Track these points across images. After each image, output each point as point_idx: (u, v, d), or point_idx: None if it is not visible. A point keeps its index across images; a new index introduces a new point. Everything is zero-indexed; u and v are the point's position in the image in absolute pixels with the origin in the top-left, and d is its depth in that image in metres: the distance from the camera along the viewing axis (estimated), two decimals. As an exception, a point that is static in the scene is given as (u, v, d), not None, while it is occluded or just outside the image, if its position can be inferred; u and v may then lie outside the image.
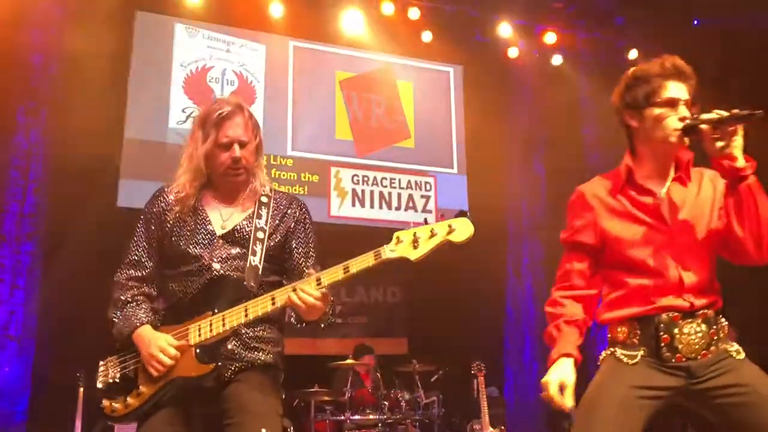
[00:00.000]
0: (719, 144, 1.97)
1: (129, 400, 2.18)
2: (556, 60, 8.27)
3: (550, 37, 8.10)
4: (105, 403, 2.21)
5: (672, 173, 2.18)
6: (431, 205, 7.87)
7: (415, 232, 2.06)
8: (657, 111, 2.09)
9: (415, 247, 2.05)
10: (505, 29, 7.93)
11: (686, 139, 2.07)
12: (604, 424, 1.95)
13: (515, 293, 8.31)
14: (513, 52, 8.10)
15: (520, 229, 8.42)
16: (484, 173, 8.17)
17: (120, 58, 6.84)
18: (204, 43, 7.34)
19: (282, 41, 7.71)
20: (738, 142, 1.97)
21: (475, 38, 8.13)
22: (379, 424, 5.64)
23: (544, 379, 2.03)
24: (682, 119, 2.06)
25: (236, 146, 2.26)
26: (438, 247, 2.06)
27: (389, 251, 2.06)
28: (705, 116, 1.98)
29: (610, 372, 2.07)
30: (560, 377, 2.01)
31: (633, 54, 8.05)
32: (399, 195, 7.84)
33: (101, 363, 2.26)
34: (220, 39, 7.42)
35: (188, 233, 2.28)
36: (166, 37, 7.20)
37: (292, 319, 2.31)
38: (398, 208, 7.75)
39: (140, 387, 2.17)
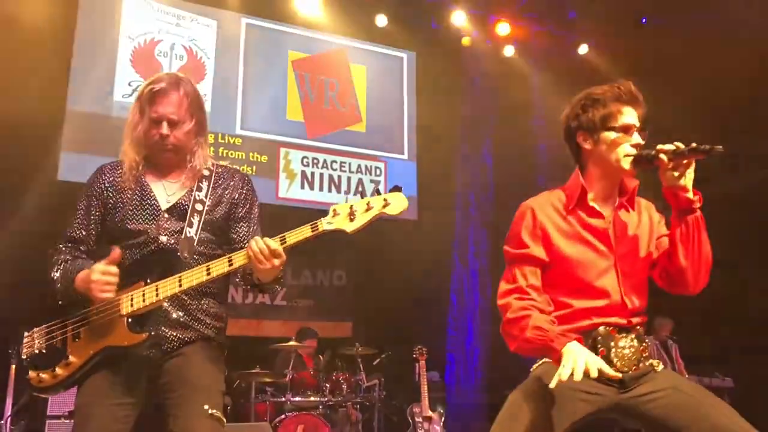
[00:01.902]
0: (675, 174, 2.01)
1: (57, 370, 2.14)
2: (508, 51, 8.37)
3: (502, 28, 8.18)
4: (31, 374, 2.16)
5: (616, 198, 2.22)
6: (381, 190, 7.86)
7: (351, 205, 2.10)
8: (613, 135, 2.13)
9: (351, 220, 2.08)
10: (459, 18, 7.98)
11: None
12: (536, 409, 1.99)
13: (461, 280, 8.41)
14: (466, 41, 8.15)
15: (468, 217, 8.52)
16: (434, 160, 8.23)
17: (64, 26, 6.61)
18: (153, 16, 7.15)
19: (234, 17, 7.58)
20: (691, 175, 2.02)
21: (431, 25, 8.16)
22: (320, 406, 5.66)
23: (575, 367, 1.84)
24: (635, 146, 2.11)
25: (165, 123, 2.23)
26: (374, 220, 2.10)
27: (326, 223, 2.09)
28: (662, 147, 2.02)
29: (549, 372, 2.05)
30: (587, 355, 1.89)
31: (583, 49, 8.20)
32: (349, 179, 7.82)
33: (26, 334, 2.21)
34: (170, 12, 7.24)
35: (132, 209, 2.25)
36: (114, 8, 6.99)
37: (240, 283, 2.29)
38: (347, 192, 7.72)
39: (69, 357, 2.14)
